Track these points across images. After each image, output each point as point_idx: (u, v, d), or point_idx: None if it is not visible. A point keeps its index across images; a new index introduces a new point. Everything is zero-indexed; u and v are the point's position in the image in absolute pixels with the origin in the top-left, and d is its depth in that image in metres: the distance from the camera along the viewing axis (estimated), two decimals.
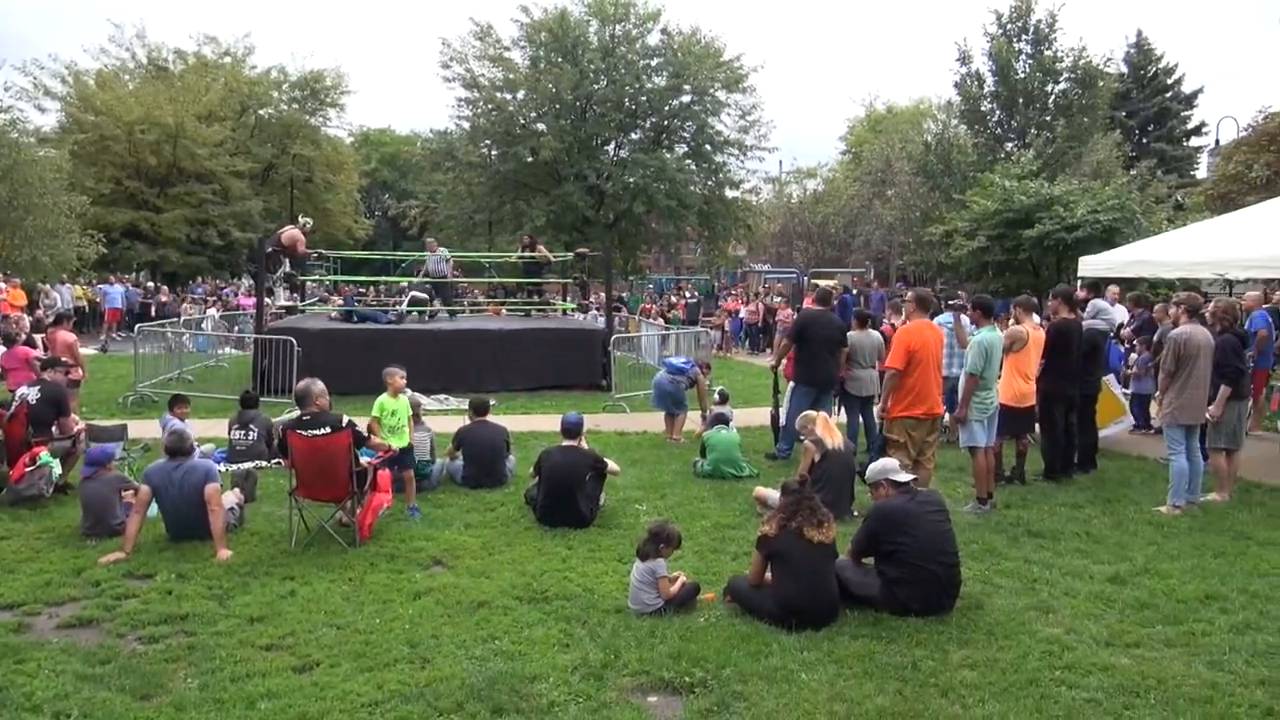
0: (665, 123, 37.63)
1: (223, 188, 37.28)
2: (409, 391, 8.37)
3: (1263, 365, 11.69)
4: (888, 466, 6.05)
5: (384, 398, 7.96)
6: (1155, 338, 11.24)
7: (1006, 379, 8.48)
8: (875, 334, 10.46)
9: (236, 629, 5.34)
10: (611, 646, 5.04)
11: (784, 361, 10.68)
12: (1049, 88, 31.56)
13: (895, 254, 38.39)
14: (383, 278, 24.43)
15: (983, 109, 32.38)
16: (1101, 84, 31.43)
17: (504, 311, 20.41)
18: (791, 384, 10.29)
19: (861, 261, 40.24)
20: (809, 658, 4.89)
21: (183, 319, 22.13)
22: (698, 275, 41.20)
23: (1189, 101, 41.49)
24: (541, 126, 36.19)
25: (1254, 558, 6.73)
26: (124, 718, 4.32)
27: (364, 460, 7.17)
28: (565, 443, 7.90)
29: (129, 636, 5.27)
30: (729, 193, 39.62)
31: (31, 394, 8.50)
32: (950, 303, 10.83)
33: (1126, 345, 12.41)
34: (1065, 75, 31.26)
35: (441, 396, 13.89)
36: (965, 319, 9.37)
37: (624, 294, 30.93)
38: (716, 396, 10.84)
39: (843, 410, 10.42)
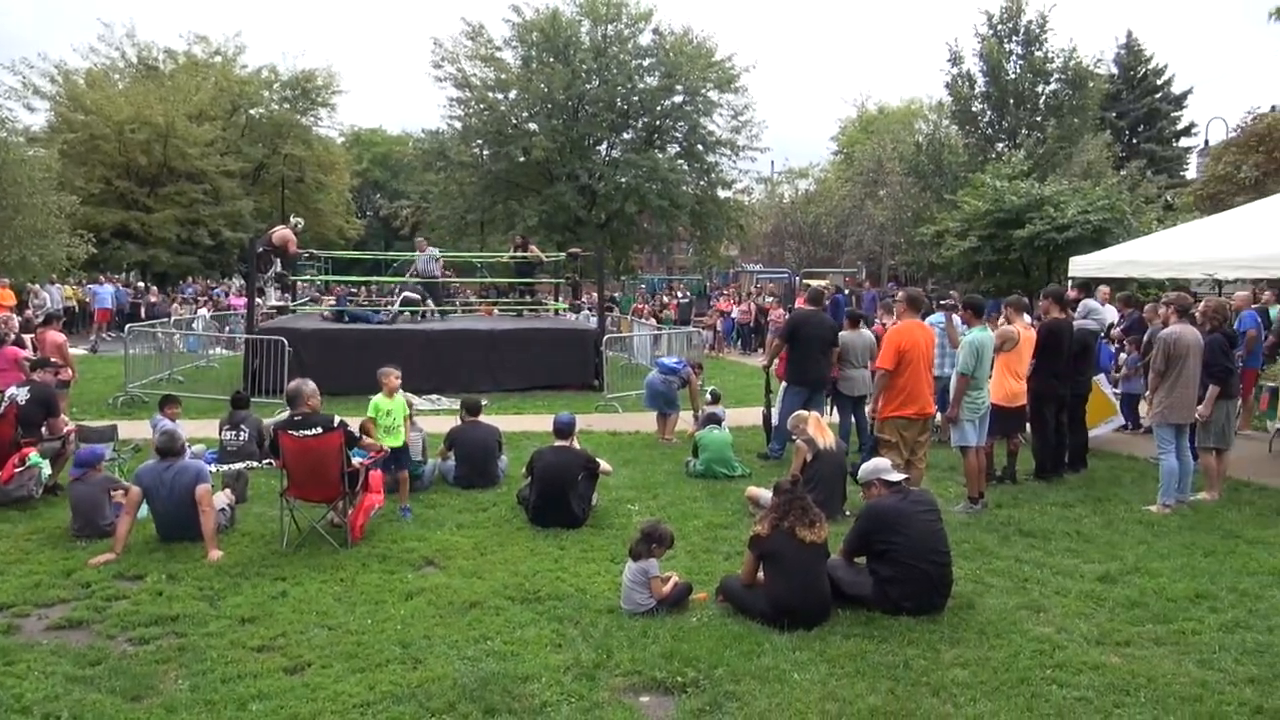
0: (657, 123, 37.63)
1: (213, 187, 37.15)
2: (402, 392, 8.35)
3: (1252, 365, 11.76)
4: (880, 466, 6.07)
5: (379, 398, 7.94)
6: (1145, 338, 11.30)
7: (998, 379, 8.51)
8: (867, 334, 10.48)
9: (228, 630, 5.33)
10: (604, 646, 5.04)
11: (776, 361, 10.70)
12: (1039, 88, 31.66)
13: (887, 254, 38.50)
14: (374, 278, 24.34)
15: (974, 109, 32.47)
16: (1092, 85, 31.54)
17: (496, 311, 20.39)
18: (784, 384, 10.30)
19: (853, 261, 40.37)
20: (801, 657, 4.90)
21: (173, 319, 22.04)
22: (690, 275, 41.18)
23: (1178, 102, 41.72)
24: (533, 126, 36.16)
25: (1243, 556, 6.76)
26: (114, 719, 4.30)
27: (356, 461, 7.16)
28: (557, 443, 7.90)
29: (119, 638, 5.25)
30: (721, 193, 39.66)
31: (21, 394, 8.47)
32: (942, 303, 10.86)
33: (1116, 345, 12.47)
34: (1056, 76, 31.37)
35: (433, 397, 13.88)
36: (957, 319, 9.40)
37: (616, 294, 30.92)
38: (708, 396, 10.85)
39: (835, 410, 10.44)
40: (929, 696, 4.49)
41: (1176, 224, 18.38)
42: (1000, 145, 31.25)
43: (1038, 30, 31.10)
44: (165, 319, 21.49)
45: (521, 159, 36.40)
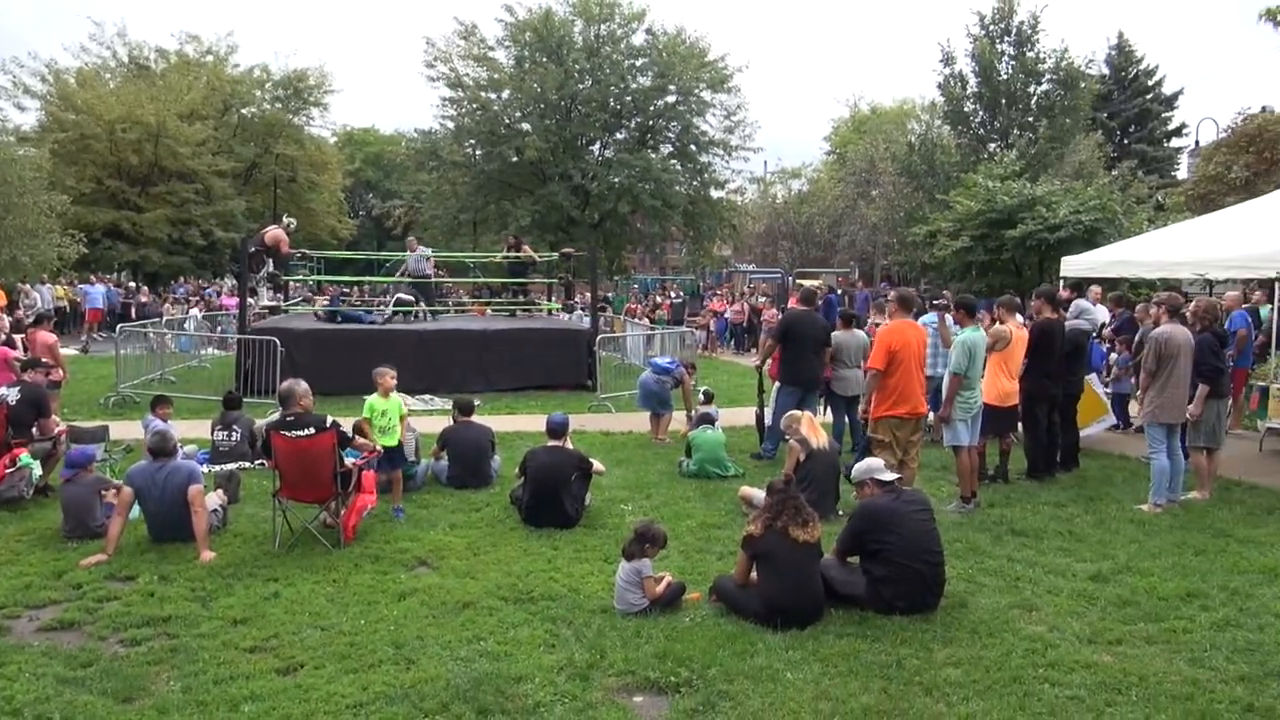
0: (650, 123, 37.64)
1: (205, 187, 37.01)
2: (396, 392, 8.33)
3: (1242, 364, 11.82)
4: (873, 466, 6.08)
5: (374, 398, 7.92)
6: (1137, 338, 11.34)
7: (990, 378, 8.53)
8: (860, 334, 10.51)
9: (220, 631, 5.31)
10: (597, 646, 5.04)
11: (768, 361, 10.71)
12: (1031, 89, 31.72)
13: (880, 254, 38.56)
14: (367, 278, 24.32)
15: (966, 110, 32.52)
16: (1083, 85, 31.61)
17: (489, 311, 20.38)
18: (777, 384, 10.32)
19: (846, 262, 40.38)
20: (794, 657, 4.91)
21: (165, 319, 21.97)
22: (683, 275, 41.20)
23: (1169, 103, 41.85)
24: (526, 126, 36.14)
25: (1234, 555, 6.79)
26: None
27: (348, 461, 7.15)
28: (550, 443, 7.89)
29: (111, 639, 5.23)
30: (714, 193, 39.69)
31: (11, 395, 8.41)
32: (935, 303, 10.88)
33: (1107, 345, 12.51)
34: (1047, 76, 31.43)
35: (426, 397, 13.86)
36: (949, 319, 9.42)
37: (609, 294, 30.92)
38: (701, 397, 10.87)
39: (828, 410, 10.46)
40: (922, 695, 4.50)
41: (1167, 224, 18.45)
42: (992, 145, 31.33)
43: (1029, 31, 31.17)
44: (156, 319, 21.42)
45: (514, 159, 36.38)
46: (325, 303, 20.25)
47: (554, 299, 21.06)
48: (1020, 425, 9.33)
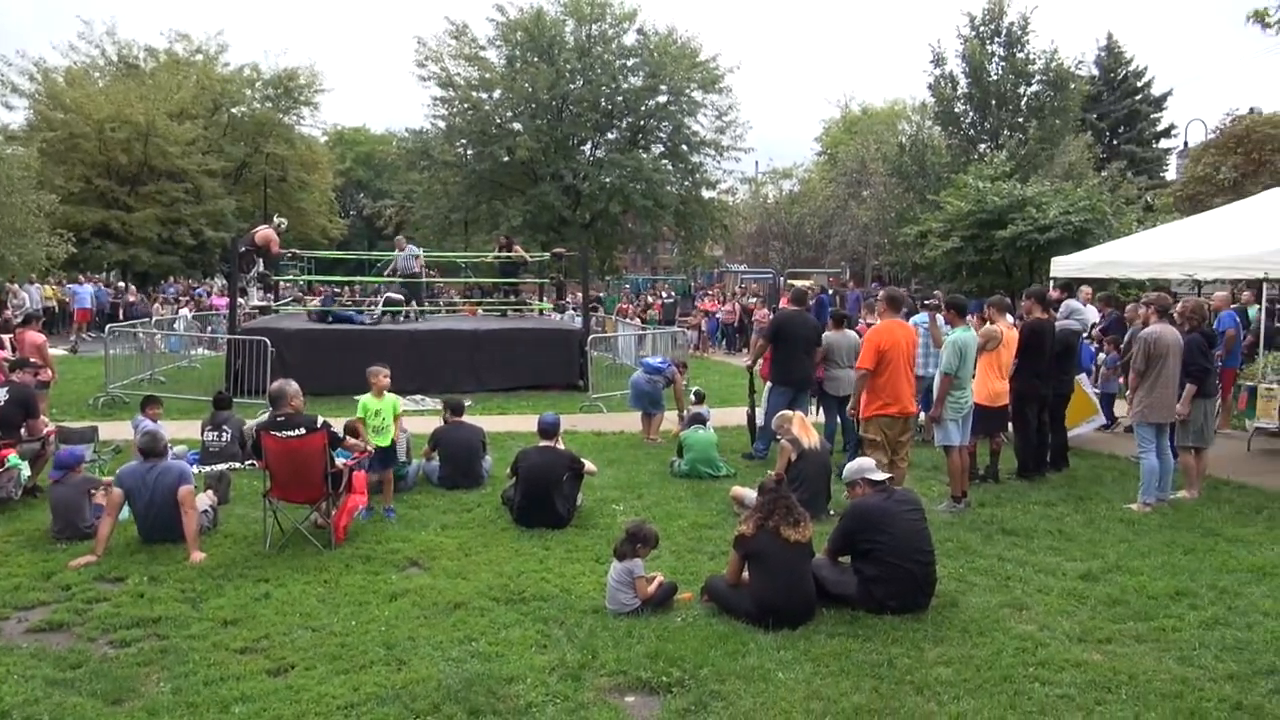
0: (641, 123, 37.63)
1: (195, 186, 36.87)
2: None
3: (1231, 364, 11.88)
4: (864, 466, 6.09)
5: (367, 397, 7.91)
6: (1126, 338, 11.39)
7: (981, 378, 8.56)
8: (852, 334, 10.52)
9: (210, 632, 5.29)
10: (589, 647, 5.04)
11: (759, 362, 10.73)
12: (1021, 90, 31.83)
13: (871, 254, 38.65)
14: (358, 278, 24.24)
15: (956, 110, 32.61)
16: (1073, 86, 31.74)
17: (480, 311, 20.34)
18: (768, 384, 10.33)
19: (837, 262, 40.49)
20: (786, 656, 4.91)
21: (155, 319, 21.88)
22: (674, 275, 41.20)
23: (1158, 104, 42.07)
24: (518, 126, 36.08)
25: (1223, 554, 6.83)
26: None
27: (339, 461, 7.13)
28: (542, 443, 7.89)
29: (100, 640, 5.21)
30: (705, 193, 39.69)
31: None
32: (925, 303, 10.91)
33: (1095, 345, 12.56)
34: (1037, 77, 31.55)
35: (417, 397, 13.83)
36: (940, 319, 9.44)
37: (600, 294, 30.90)
38: (693, 397, 10.87)
39: (820, 410, 10.48)
40: (913, 695, 4.51)
41: (1156, 225, 18.53)
42: (983, 146, 31.41)
43: (1019, 32, 31.28)
44: (145, 319, 21.33)
45: (506, 159, 36.32)
46: (318, 303, 20.18)
47: (545, 299, 21.04)
48: (1010, 425, 9.36)
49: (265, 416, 7.46)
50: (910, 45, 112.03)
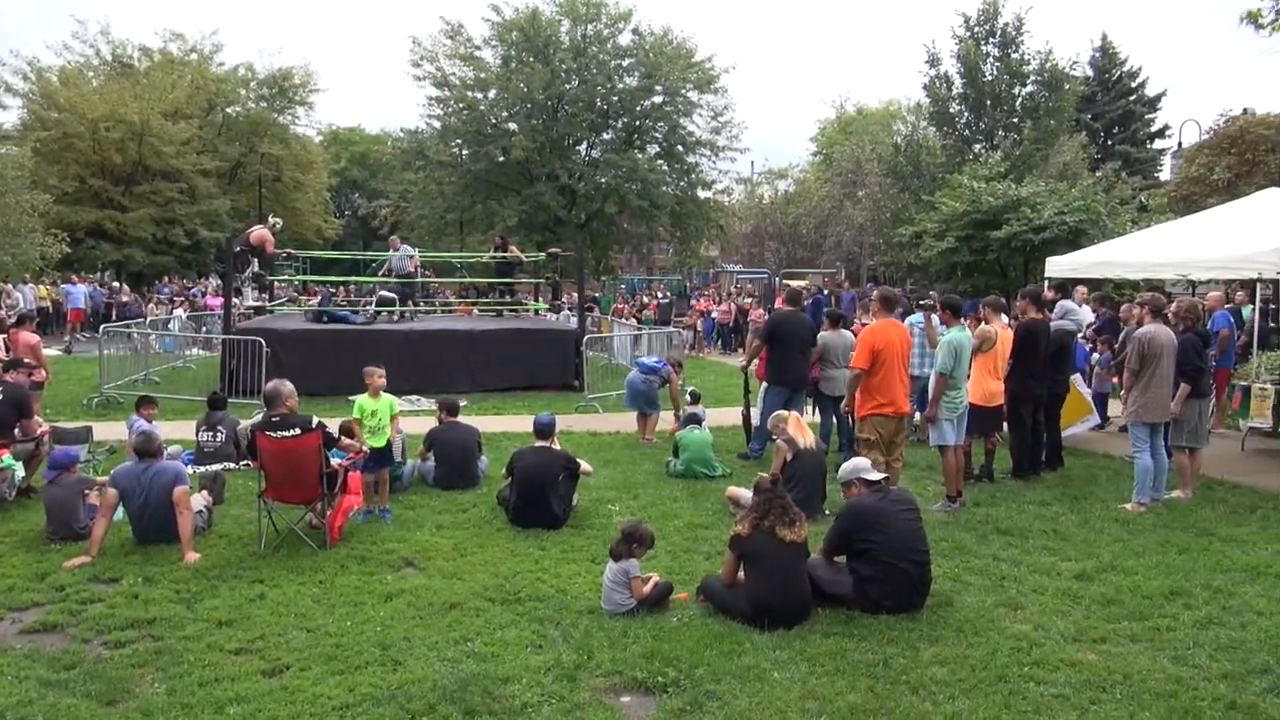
0: (637, 123, 37.64)
1: (189, 186, 36.79)
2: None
3: (1225, 364, 11.91)
4: (860, 466, 6.11)
5: (364, 398, 7.90)
6: (1121, 338, 11.42)
7: (976, 378, 8.57)
8: (847, 334, 10.52)
9: (205, 633, 5.28)
10: (584, 647, 5.03)
11: (755, 362, 10.73)
12: (1016, 90, 31.88)
13: (866, 255, 38.68)
14: (353, 278, 24.23)
15: (951, 111, 32.65)
16: (1067, 87, 31.80)
17: (475, 312, 20.33)
18: (764, 384, 10.34)
19: (833, 262, 40.50)
20: (781, 656, 4.92)
21: (149, 319, 21.83)
22: (670, 275, 41.20)
23: (1152, 104, 42.17)
24: (513, 126, 36.08)
25: (1217, 554, 6.84)
26: None
27: (334, 462, 7.12)
28: (538, 443, 7.88)
29: (94, 641, 5.20)
30: (701, 193, 39.72)
31: None
32: (921, 303, 10.92)
33: (1089, 345, 12.59)
34: (1032, 78, 31.60)
35: (413, 397, 13.81)
36: (935, 319, 9.46)
37: (596, 294, 30.89)
38: (688, 397, 10.88)
39: (816, 410, 10.49)
40: (908, 694, 4.52)
41: (1151, 225, 18.58)
42: (977, 146, 31.47)
43: (1014, 32, 31.32)
44: (139, 319, 21.29)
45: (501, 159, 36.31)
46: (315, 303, 20.15)
47: (541, 299, 21.04)
48: (1005, 425, 9.38)
49: (260, 417, 7.44)
50: (905, 46, 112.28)
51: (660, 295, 29.17)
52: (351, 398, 8.07)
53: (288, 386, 7.10)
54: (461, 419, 9.28)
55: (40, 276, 27.55)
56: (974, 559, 6.67)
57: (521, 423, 11.05)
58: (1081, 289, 13.55)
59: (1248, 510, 8.16)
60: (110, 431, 10.69)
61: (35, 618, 5.52)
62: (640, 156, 36.47)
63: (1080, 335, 11.56)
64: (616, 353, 18.56)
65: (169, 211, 35.86)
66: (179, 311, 25.03)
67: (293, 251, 22.29)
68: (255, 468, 7.10)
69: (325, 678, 4.70)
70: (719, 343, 25.87)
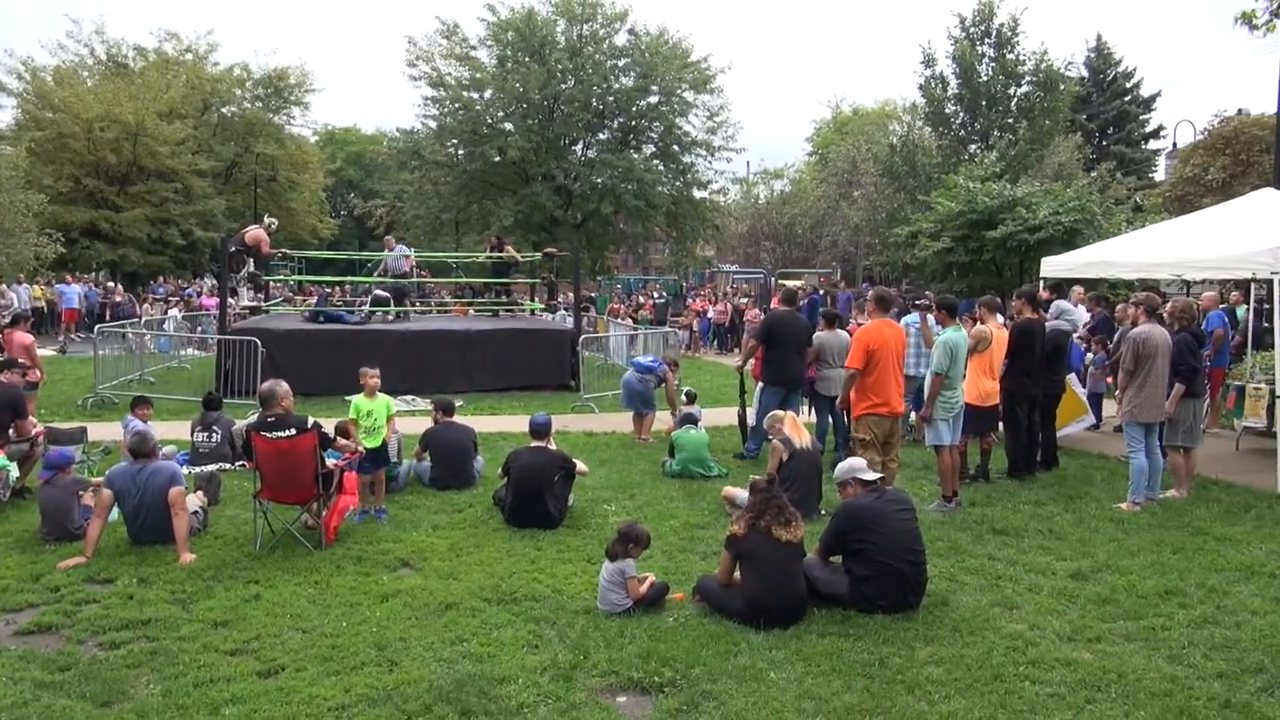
0: (633, 123, 37.64)
1: (185, 186, 36.71)
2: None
3: (1219, 364, 11.94)
4: (855, 466, 6.11)
5: (359, 398, 7.89)
6: (1115, 338, 11.44)
7: (971, 378, 8.59)
8: (843, 334, 10.53)
9: (200, 634, 5.27)
10: (581, 647, 5.03)
11: (751, 362, 10.74)
12: (1011, 90, 31.96)
13: (862, 255, 38.76)
14: (348, 278, 24.20)
15: (947, 111, 32.73)
16: (1062, 87, 31.88)
17: (471, 312, 20.32)
18: (760, 384, 10.35)
19: (828, 262, 40.54)
20: (777, 656, 4.92)
21: (144, 319, 21.78)
22: (666, 275, 41.26)
23: (1147, 105, 42.30)
24: (509, 126, 36.05)
25: (1211, 553, 6.86)
26: None
27: (330, 462, 7.11)
28: (533, 443, 7.88)
29: (89, 642, 5.18)
30: (697, 193, 39.73)
31: None
32: (917, 303, 10.94)
33: (1084, 344, 12.60)
34: (1027, 78, 31.68)
35: (409, 397, 13.80)
36: (931, 319, 9.47)
37: (592, 294, 30.89)
38: (684, 397, 10.88)
39: (812, 410, 10.50)
40: (904, 694, 4.52)
41: (1145, 225, 18.60)
42: (973, 147, 31.53)
43: (1009, 33, 31.41)
44: (133, 320, 21.24)
45: (497, 159, 36.29)
46: (313, 303, 20.12)
47: (537, 299, 21.03)
48: (1001, 425, 9.39)
49: (255, 417, 7.43)
50: (901, 46, 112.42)
51: (656, 295, 29.19)
52: (347, 398, 8.06)
53: (283, 387, 7.09)
54: (457, 419, 9.27)
55: (35, 276, 27.49)
56: (969, 559, 6.68)
57: (517, 423, 11.04)
58: (1078, 289, 13.56)
59: (1242, 510, 8.18)
60: (105, 432, 10.67)
61: (30, 619, 5.51)
62: (636, 156, 36.48)
63: (1075, 335, 11.57)
64: (612, 353, 18.55)
65: (164, 211, 35.80)
66: (174, 311, 24.99)
67: (288, 251, 22.24)
68: (251, 468, 7.09)
69: (321, 678, 4.69)
70: (715, 343, 25.89)
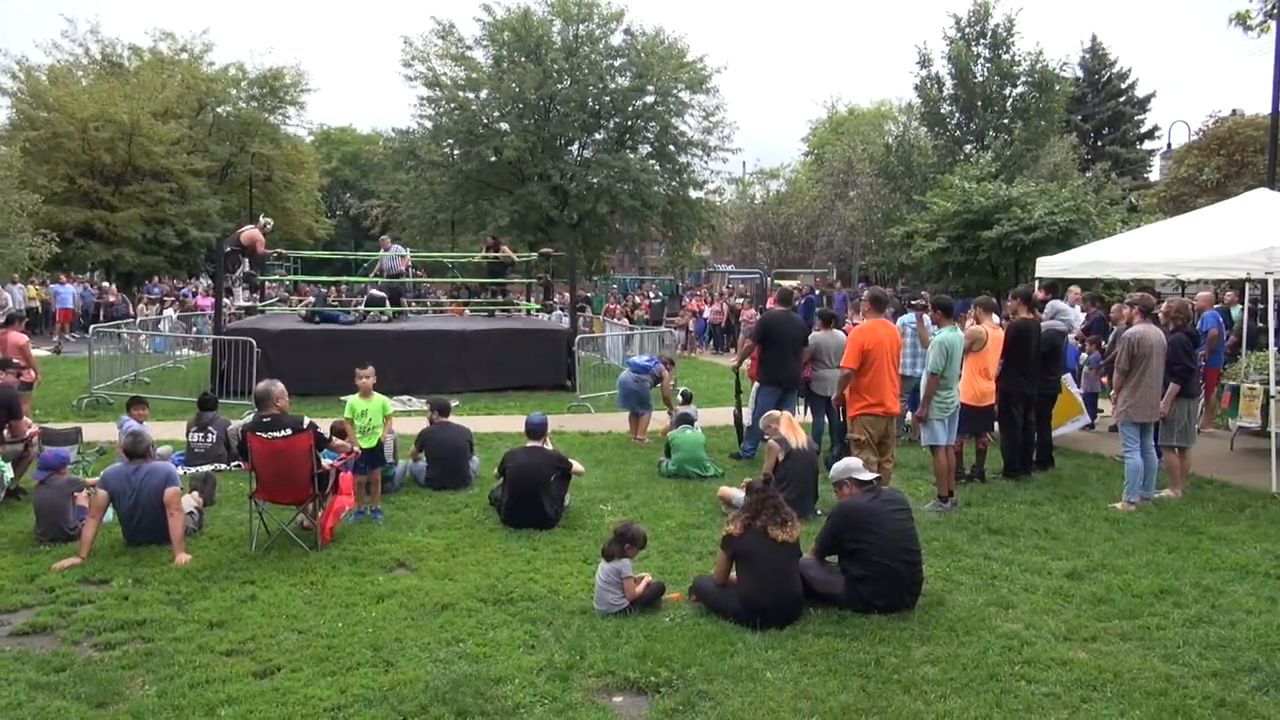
0: (629, 123, 37.61)
1: (180, 186, 36.63)
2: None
3: (1214, 364, 11.97)
4: (852, 465, 6.11)
5: (355, 398, 7.88)
6: (1111, 338, 11.45)
7: (967, 378, 8.60)
8: (839, 334, 10.54)
9: (195, 634, 5.26)
10: (577, 647, 5.03)
11: (746, 362, 10.75)
12: (1007, 91, 32.01)
13: (857, 255, 38.81)
14: (344, 278, 24.16)
15: (942, 111, 32.76)
16: (1058, 88, 31.93)
17: (467, 312, 20.31)
18: (756, 384, 10.36)
19: (824, 262, 40.62)
20: (773, 656, 4.92)
21: (139, 319, 21.73)
22: (662, 275, 41.27)
23: (1142, 105, 42.41)
24: (505, 126, 36.00)
25: (1206, 552, 6.88)
26: None
27: (325, 462, 7.10)
28: (530, 443, 7.88)
29: (84, 643, 5.17)
30: (693, 193, 39.69)
31: None
32: (913, 303, 10.95)
33: (1079, 344, 12.63)
34: (1022, 79, 31.73)
35: (404, 397, 13.79)
36: (927, 319, 9.48)
37: (588, 294, 30.88)
38: (680, 397, 10.88)
39: (808, 410, 10.51)
40: (900, 694, 4.53)
41: (1140, 225, 18.64)
42: (968, 147, 31.57)
43: (1004, 34, 31.45)
44: (128, 320, 21.19)
45: (493, 159, 36.23)
46: (311, 302, 20.11)
47: (533, 299, 21.02)
48: (996, 425, 9.40)
49: (251, 417, 7.42)
50: (897, 47, 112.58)
51: (652, 295, 29.21)
52: (343, 398, 8.04)
53: (279, 387, 7.08)
54: (453, 419, 9.27)
55: (29, 277, 27.42)
56: (965, 558, 6.69)
57: (513, 423, 11.03)
58: (1075, 289, 13.59)
59: (1237, 509, 8.20)
60: (100, 432, 10.64)
61: (25, 620, 5.49)
62: (632, 157, 36.44)
63: (1071, 335, 11.60)
64: (609, 353, 18.56)
65: (159, 211, 35.71)
66: (169, 312, 24.93)
67: (284, 251, 22.18)
68: (246, 469, 7.08)
69: (317, 679, 4.68)
70: (711, 343, 25.90)
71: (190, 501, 7.31)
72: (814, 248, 41.02)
